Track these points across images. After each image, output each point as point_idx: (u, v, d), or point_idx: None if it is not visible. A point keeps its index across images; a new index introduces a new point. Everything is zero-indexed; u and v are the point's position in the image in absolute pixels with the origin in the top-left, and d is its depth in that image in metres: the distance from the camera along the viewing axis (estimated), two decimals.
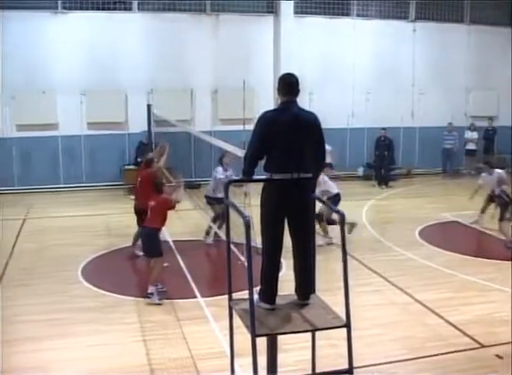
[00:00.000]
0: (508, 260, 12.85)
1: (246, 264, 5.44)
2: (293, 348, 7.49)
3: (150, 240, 10.99)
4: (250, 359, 5.23)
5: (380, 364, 8.38)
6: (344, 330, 5.42)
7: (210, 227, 14.50)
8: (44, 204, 19.28)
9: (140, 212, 12.16)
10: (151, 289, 10.74)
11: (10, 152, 21.04)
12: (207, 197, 14.49)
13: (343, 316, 5.47)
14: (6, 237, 15.27)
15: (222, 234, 13.55)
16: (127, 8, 21.71)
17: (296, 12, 22.63)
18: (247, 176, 6.12)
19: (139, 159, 18.76)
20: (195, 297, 10.94)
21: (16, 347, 9.03)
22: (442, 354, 8.67)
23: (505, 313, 10.03)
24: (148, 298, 10.70)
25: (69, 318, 10.21)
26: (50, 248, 14.50)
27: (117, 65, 21.32)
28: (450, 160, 24.37)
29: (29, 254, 14.03)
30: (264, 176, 6.02)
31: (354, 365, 5.44)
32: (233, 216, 5.95)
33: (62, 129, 21.49)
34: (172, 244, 14.12)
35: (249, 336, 5.27)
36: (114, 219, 17.12)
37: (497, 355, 8.57)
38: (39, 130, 21.10)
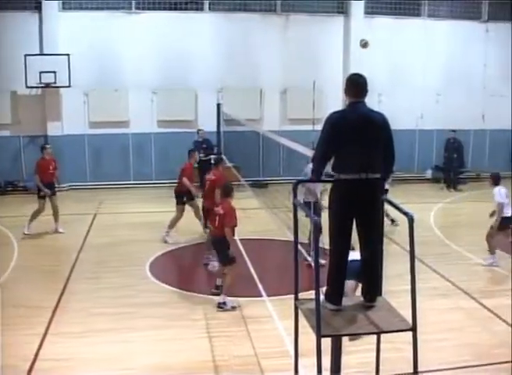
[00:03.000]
0: None
1: (313, 264, 5.46)
2: (358, 350, 7.47)
3: (221, 248, 10.84)
4: (314, 360, 5.24)
5: (444, 370, 8.28)
6: (409, 333, 5.38)
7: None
8: (114, 200, 19.64)
9: (208, 213, 12.25)
10: (223, 298, 10.60)
11: (83, 149, 21.54)
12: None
13: (409, 319, 5.43)
14: (78, 231, 15.65)
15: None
16: (199, 8, 21.97)
17: (366, 13, 22.51)
18: (316, 177, 6.13)
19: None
20: (261, 295, 10.98)
21: (86, 338, 9.28)
22: (508, 362, 8.49)
23: None
24: (221, 308, 10.53)
25: (136, 312, 10.41)
26: (119, 243, 14.79)
27: (188, 64, 21.60)
28: None
29: (99, 248, 14.36)
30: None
31: (419, 369, 5.39)
32: (300, 215, 5.99)
33: (132, 126, 21.93)
34: (239, 242, 14.19)
35: (314, 336, 5.28)
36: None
37: None
38: (111, 128, 21.58)
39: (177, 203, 14.88)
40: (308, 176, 13.62)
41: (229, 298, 10.59)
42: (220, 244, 10.80)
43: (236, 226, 10.88)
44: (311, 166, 14.05)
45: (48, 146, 16.32)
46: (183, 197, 14.78)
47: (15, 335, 9.08)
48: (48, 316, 10.10)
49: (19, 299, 10.77)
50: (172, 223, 14.85)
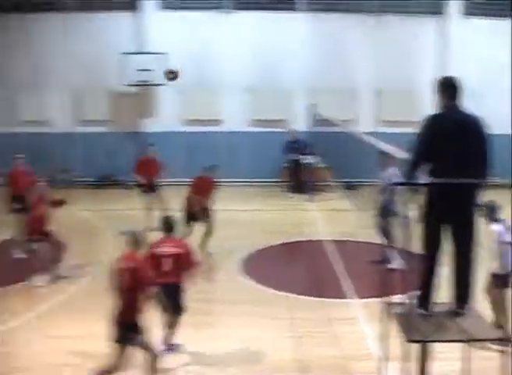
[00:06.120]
0: None
1: (403, 269, 5.40)
2: (446, 358, 7.32)
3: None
4: (400, 364, 5.19)
5: None
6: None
7: None
8: None
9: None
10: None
11: (177, 146, 21.92)
12: None
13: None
14: None
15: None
16: (294, 8, 21.98)
17: (461, 13, 21.96)
18: (410, 179, 6.04)
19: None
20: (348, 297, 10.95)
21: (186, 331, 9.42)
22: None
23: None
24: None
25: (225, 309, 10.53)
26: (213, 240, 14.96)
27: (281, 64, 21.65)
28: None
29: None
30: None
31: None
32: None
33: (226, 125, 22.16)
34: (328, 243, 14.18)
35: (401, 341, 5.22)
36: (272, 216, 17.40)
37: None
38: (204, 125, 21.89)
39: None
40: (390, 181, 13.48)
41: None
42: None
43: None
44: (391, 170, 13.80)
45: (152, 145, 16.74)
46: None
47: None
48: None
49: None
50: None
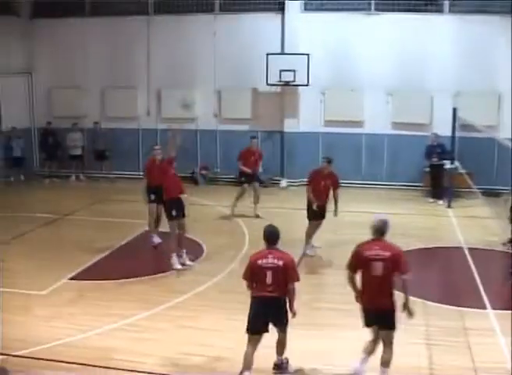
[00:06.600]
0: None
1: None
2: None
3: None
4: None
5: None
6: None
7: None
8: (344, 198, 19.80)
9: None
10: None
11: (317, 146, 22.06)
12: None
13: None
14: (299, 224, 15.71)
15: None
16: (438, 9, 21.53)
17: None
18: None
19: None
20: (485, 308, 10.66)
21: (304, 331, 9.55)
22: None
23: None
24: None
25: (355, 310, 10.49)
26: (345, 241, 14.94)
27: (424, 66, 21.26)
28: None
29: (326, 245, 14.69)
30: None
31: None
32: None
33: (366, 127, 22.08)
34: (467, 251, 13.87)
35: None
36: (410, 220, 17.20)
37: None
38: (345, 127, 21.91)
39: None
40: None
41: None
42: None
43: None
44: None
45: (254, 138, 18.19)
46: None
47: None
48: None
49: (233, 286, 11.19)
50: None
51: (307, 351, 9.04)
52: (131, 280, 12.27)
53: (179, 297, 11.22)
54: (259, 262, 8.06)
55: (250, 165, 17.49)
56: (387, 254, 7.92)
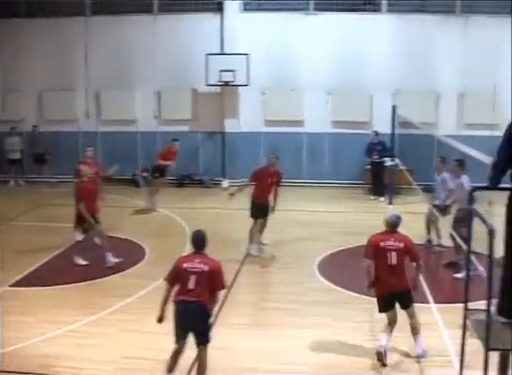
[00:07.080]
0: None
1: (485, 274, 5.31)
2: None
3: None
4: (479, 373, 5.11)
5: None
6: None
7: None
8: (285, 197, 19.84)
9: None
10: None
11: (258, 146, 22.07)
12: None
13: None
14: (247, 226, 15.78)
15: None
16: (376, 9, 21.80)
17: None
18: (493, 185, 5.94)
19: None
20: (428, 302, 10.82)
21: (253, 331, 9.60)
22: None
23: None
24: None
25: (301, 309, 10.56)
26: (289, 240, 15.01)
27: (363, 65, 21.49)
28: None
29: (271, 244, 14.69)
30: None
31: None
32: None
33: (307, 126, 22.21)
34: None
35: (481, 348, 5.13)
36: (352, 218, 17.33)
37: None
38: (285, 126, 21.98)
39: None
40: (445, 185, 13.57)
41: None
42: None
43: None
44: (445, 175, 13.64)
45: (176, 140, 18.81)
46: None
47: None
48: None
49: None
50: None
51: (255, 351, 9.00)
52: (73, 285, 12.03)
53: (122, 301, 11.05)
54: (184, 265, 7.73)
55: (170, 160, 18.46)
56: (401, 245, 8.76)
